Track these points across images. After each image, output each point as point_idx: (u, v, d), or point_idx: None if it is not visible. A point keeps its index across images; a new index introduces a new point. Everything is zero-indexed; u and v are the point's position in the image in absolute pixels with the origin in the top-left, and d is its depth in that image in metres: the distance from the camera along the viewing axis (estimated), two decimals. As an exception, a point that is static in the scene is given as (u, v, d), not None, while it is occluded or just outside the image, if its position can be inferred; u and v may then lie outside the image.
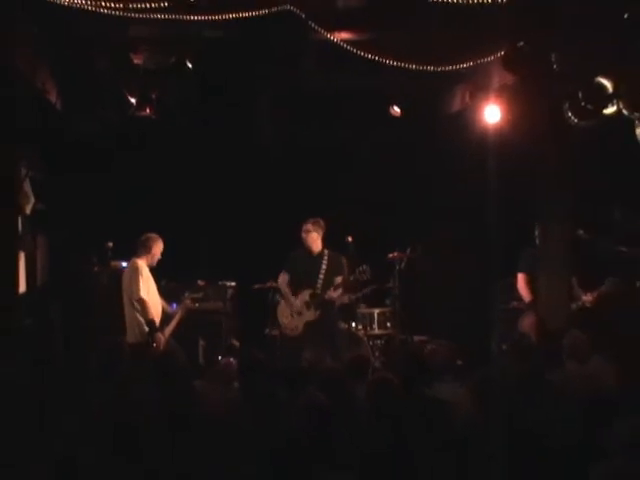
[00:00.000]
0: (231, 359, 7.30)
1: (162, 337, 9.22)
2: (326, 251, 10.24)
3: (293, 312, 10.24)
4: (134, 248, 9.56)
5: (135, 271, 9.32)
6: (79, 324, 9.84)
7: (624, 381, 6.18)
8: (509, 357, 7.27)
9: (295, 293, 10.24)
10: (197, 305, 10.25)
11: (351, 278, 10.22)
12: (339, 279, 10.15)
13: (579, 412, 5.33)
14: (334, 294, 10.14)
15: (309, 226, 10.14)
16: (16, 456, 4.40)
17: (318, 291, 10.13)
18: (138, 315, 9.25)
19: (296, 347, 9.99)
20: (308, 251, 10.23)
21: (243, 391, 6.45)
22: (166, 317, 9.54)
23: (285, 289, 10.32)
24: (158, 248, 9.48)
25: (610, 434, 4.51)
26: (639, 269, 10.10)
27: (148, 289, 9.32)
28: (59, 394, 5.67)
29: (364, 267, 10.16)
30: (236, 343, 10.50)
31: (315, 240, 10.17)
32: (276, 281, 10.63)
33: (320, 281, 10.16)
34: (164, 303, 9.63)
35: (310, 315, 10.17)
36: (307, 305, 10.17)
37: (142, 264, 9.37)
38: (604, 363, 6.90)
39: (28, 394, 5.48)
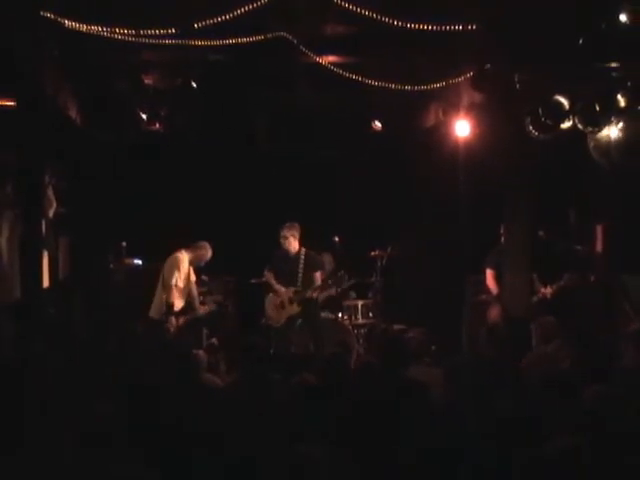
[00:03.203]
0: (200, 351, 7.32)
1: (174, 320, 9.35)
2: (303, 250, 10.28)
3: (278, 305, 10.28)
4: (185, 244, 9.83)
5: (176, 260, 9.63)
6: (97, 314, 9.88)
7: (578, 361, 6.22)
8: (482, 344, 7.30)
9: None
10: (215, 309, 10.33)
11: (329, 282, 10.33)
12: (317, 275, 10.22)
13: (538, 389, 5.36)
14: (314, 294, 10.21)
15: (285, 232, 10.19)
16: (45, 430, 4.41)
17: (299, 288, 10.18)
18: (164, 297, 9.43)
19: (283, 336, 10.08)
20: (287, 252, 10.28)
21: (242, 372, 6.47)
22: (191, 308, 9.78)
23: (273, 282, 10.36)
24: (206, 256, 9.81)
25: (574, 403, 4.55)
26: (592, 266, 10.17)
27: (181, 280, 9.52)
28: (81, 371, 5.69)
29: (342, 273, 10.28)
30: (215, 342, 10.50)
31: (292, 243, 10.23)
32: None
33: (300, 278, 10.22)
34: (195, 298, 9.86)
35: (292, 310, 10.22)
36: (290, 301, 10.23)
37: (185, 257, 9.67)
38: (561, 347, 6.96)
39: (53, 374, 5.51)
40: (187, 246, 9.79)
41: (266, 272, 10.48)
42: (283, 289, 10.25)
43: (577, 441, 3.85)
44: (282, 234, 10.21)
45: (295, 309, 10.23)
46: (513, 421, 4.71)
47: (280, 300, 10.29)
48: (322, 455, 4.04)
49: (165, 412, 4.78)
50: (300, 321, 10.24)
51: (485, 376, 5.70)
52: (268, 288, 10.51)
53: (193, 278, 9.92)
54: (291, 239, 10.20)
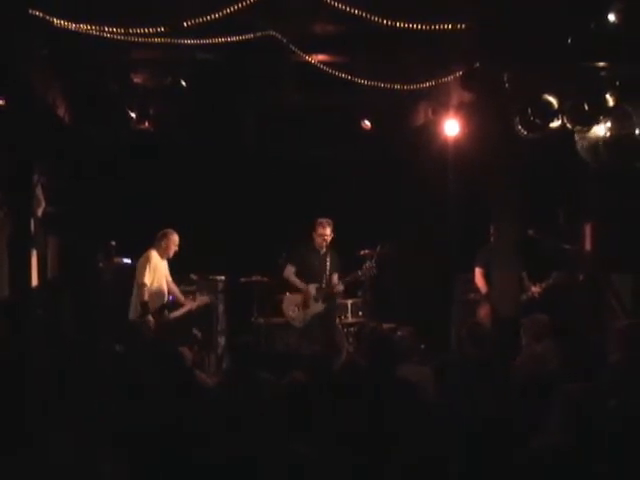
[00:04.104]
0: (184, 348, 7.35)
1: (151, 319, 9.35)
2: (330, 249, 10.29)
3: (301, 304, 10.23)
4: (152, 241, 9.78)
5: (145, 259, 9.56)
6: (86, 313, 9.89)
7: (566, 360, 6.28)
8: (465, 344, 7.35)
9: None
10: (205, 304, 10.25)
11: (359, 273, 10.29)
12: (336, 276, 10.21)
13: (523, 390, 5.40)
14: (340, 287, 10.20)
15: (329, 230, 10.14)
16: (37, 427, 4.46)
17: (324, 285, 10.17)
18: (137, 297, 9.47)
19: (308, 335, 10.01)
20: (316, 248, 10.25)
21: (232, 370, 6.49)
22: (175, 305, 9.81)
23: (295, 280, 10.29)
24: (170, 242, 9.66)
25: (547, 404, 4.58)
26: (581, 264, 10.23)
27: (153, 277, 9.50)
28: (71, 370, 5.72)
29: (370, 263, 10.22)
30: (198, 334, 10.45)
31: (328, 241, 10.21)
32: (260, 275, 10.68)
33: (326, 277, 10.20)
34: (177, 293, 9.82)
35: (317, 308, 10.18)
36: (315, 298, 10.19)
37: (154, 254, 9.61)
38: (550, 345, 7.02)
39: (43, 373, 5.55)
40: (152, 244, 9.74)
41: (287, 268, 10.35)
42: (306, 287, 10.20)
43: (562, 440, 3.89)
44: (324, 231, 10.12)
45: (320, 307, 10.19)
46: (498, 421, 4.75)
47: (303, 299, 10.24)
48: (313, 454, 4.09)
49: (156, 412, 4.82)
50: (323, 319, 10.20)
51: (470, 375, 5.75)
52: (285, 286, 10.44)
53: (169, 277, 9.87)
54: (329, 237, 10.18)
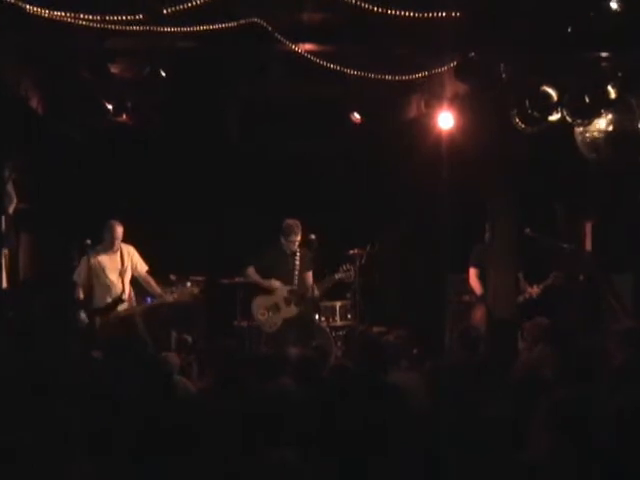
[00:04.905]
0: (171, 353, 7.27)
1: (81, 314, 9.38)
2: (298, 249, 10.17)
3: (271, 307, 10.09)
4: None
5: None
6: (60, 314, 9.81)
7: (563, 362, 6.25)
8: (457, 347, 7.33)
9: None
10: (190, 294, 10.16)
11: (337, 276, 10.18)
12: (310, 274, 10.08)
13: (519, 393, 5.39)
14: (316, 292, 10.06)
15: (299, 235, 9.95)
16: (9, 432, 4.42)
17: (296, 287, 10.05)
18: None
19: (280, 341, 9.74)
20: (283, 249, 10.11)
21: (216, 376, 6.43)
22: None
23: (260, 279, 10.11)
24: (110, 232, 9.61)
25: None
26: (580, 264, 10.23)
27: (91, 274, 9.49)
28: (44, 373, 5.68)
29: (349, 266, 10.11)
30: (188, 338, 10.34)
31: (298, 242, 10.07)
32: (242, 276, 10.57)
33: (296, 278, 10.07)
34: (151, 287, 9.79)
35: (290, 311, 9.99)
36: (286, 301, 10.02)
37: (92, 255, 9.55)
38: (548, 348, 7.00)
39: (16, 377, 5.52)
40: None
41: (249, 268, 10.18)
42: (276, 285, 10.03)
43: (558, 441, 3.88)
44: (295, 238, 9.93)
45: (293, 310, 10.03)
46: (491, 424, 4.72)
47: (274, 302, 10.06)
48: (299, 460, 4.04)
49: (132, 417, 4.76)
50: (298, 323, 10.04)
51: (462, 379, 5.73)
52: (255, 289, 10.26)
53: (144, 268, 9.80)
54: (299, 241, 10.02)
